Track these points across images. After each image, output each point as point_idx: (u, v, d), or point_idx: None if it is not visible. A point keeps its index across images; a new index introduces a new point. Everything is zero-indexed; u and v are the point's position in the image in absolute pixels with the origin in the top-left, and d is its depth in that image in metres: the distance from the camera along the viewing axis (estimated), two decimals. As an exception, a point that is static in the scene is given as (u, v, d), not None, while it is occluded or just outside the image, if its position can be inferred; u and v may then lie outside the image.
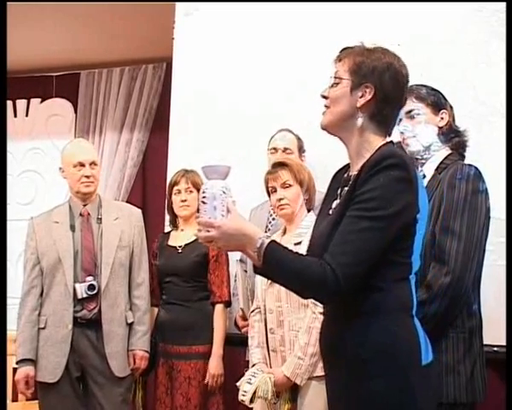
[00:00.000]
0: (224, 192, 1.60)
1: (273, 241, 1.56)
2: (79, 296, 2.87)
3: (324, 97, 1.67)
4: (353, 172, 1.65)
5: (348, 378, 1.59)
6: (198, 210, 1.69)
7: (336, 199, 1.69)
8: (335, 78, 1.66)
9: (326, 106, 1.67)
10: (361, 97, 1.62)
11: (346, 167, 1.74)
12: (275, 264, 1.55)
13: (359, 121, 1.62)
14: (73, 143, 3.15)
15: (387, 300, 1.57)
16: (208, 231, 1.57)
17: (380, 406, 1.55)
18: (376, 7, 3.31)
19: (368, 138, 1.64)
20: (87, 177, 2.97)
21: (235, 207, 1.60)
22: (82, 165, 2.97)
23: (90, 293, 2.87)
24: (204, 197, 1.61)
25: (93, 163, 3.00)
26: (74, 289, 2.87)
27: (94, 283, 2.89)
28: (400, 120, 2.34)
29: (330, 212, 1.68)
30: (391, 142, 1.66)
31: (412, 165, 1.58)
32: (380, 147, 1.61)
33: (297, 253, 1.59)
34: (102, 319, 2.89)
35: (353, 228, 1.52)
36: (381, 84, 1.61)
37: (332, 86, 1.66)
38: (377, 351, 1.55)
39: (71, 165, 2.99)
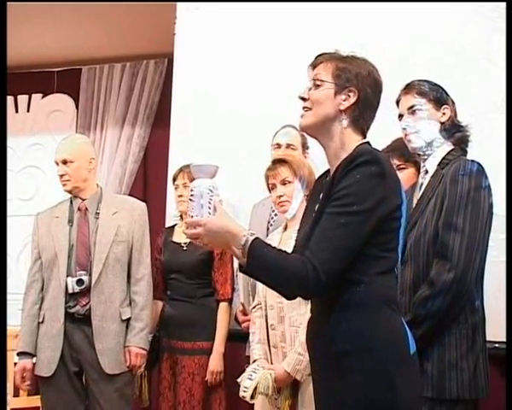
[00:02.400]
0: (210, 191, 1.65)
1: (257, 238, 1.59)
2: (70, 291, 2.85)
3: (303, 99, 1.70)
4: (331, 173, 1.69)
5: (330, 373, 1.61)
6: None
7: (318, 202, 1.71)
8: (317, 80, 1.69)
9: (306, 107, 1.70)
10: (344, 101, 1.66)
11: (327, 172, 1.78)
12: (258, 261, 1.57)
13: (344, 123, 1.67)
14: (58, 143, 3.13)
15: (365, 293, 1.58)
16: (195, 228, 1.63)
17: (362, 400, 1.55)
18: (377, 7, 3.31)
19: (346, 140, 1.68)
20: (60, 176, 2.97)
21: (221, 205, 1.65)
22: (57, 164, 2.99)
23: (79, 287, 2.85)
24: (192, 195, 1.66)
25: (65, 161, 2.96)
26: (66, 284, 2.86)
27: (83, 277, 2.86)
28: (402, 115, 2.32)
29: (313, 215, 1.69)
30: (367, 142, 1.69)
31: (387, 162, 1.62)
32: (355, 148, 1.65)
33: (280, 250, 1.62)
34: (92, 314, 2.85)
35: (331, 225, 1.55)
36: (363, 89, 1.67)
37: (313, 88, 1.69)
38: (356, 344, 1.56)
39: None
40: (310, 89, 1.70)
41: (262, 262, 1.57)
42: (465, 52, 3.11)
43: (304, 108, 1.70)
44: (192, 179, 3.03)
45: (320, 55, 1.73)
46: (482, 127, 2.93)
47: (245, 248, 1.56)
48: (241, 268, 1.68)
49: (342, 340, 1.58)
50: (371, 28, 3.27)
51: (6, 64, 3.01)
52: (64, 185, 2.99)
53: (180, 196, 3.09)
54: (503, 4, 2.92)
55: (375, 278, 1.59)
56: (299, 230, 1.79)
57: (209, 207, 1.63)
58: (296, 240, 1.76)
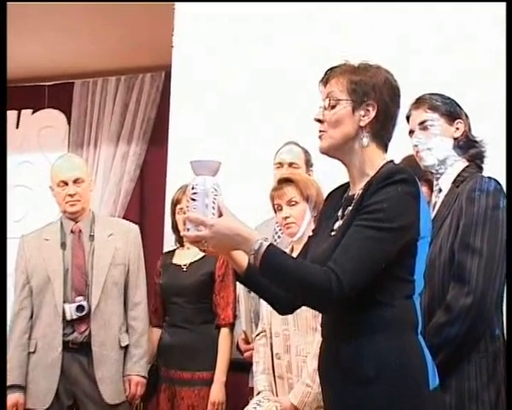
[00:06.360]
0: (215, 189, 1.61)
1: (272, 244, 1.58)
2: (68, 318, 2.86)
3: (320, 121, 1.69)
4: (356, 190, 1.69)
5: (353, 400, 1.59)
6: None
7: (338, 220, 1.71)
8: (332, 100, 1.67)
9: (323, 131, 1.68)
10: (364, 116, 1.65)
11: (344, 188, 1.78)
12: (275, 268, 1.56)
13: (365, 141, 1.66)
14: (59, 160, 3.12)
15: (396, 317, 1.59)
16: (198, 230, 1.58)
17: None
18: (377, 6, 3.38)
19: (370, 157, 1.68)
20: (71, 196, 2.97)
21: (226, 206, 1.62)
22: (65, 183, 2.97)
23: (78, 314, 2.86)
24: (194, 194, 1.60)
25: (77, 180, 2.98)
26: (63, 310, 2.86)
27: (83, 303, 2.87)
28: (413, 131, 2.33)
29: (332, 233, 1.69)
30: (392, 161, 1.69)
31: (418, 182, 1.63)
32: (383, 165, 1.65)
33: (297, 258, 1.64)
34: (92, 341, 2.86)
35: (358, 236, 1.55)
36: (382, 100, 1.66)
37: (328, 109, 1.68)
38: (385, 370, 1.56)
39: (55, 184, 3.01)
40: (325, 108, 1.69)
41: (279, 270, 1.56)
42: (465, 52, 3.20)
43: (321, 131, 1.69)
44: None
45: (330, 70, 1.71)
46: (482, 127, 2.97)
47: (258, 253, 1.55)
48: (237, 277, 1.70)
49: (366, 365, 1.57)
50: (371, 31, 3.34)
51: (6, 76, 3.00)
52: (72, 206, 2.98)
53: None
54: (502, 5, 2.96)
55: (403, 302, 1.61)
56: (310, 249, 1.77)
57: (213, 208, 1.59)
58: (310, 259, 1.72)
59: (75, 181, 2.98)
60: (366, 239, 1.54)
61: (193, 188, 1.61)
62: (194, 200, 1.60)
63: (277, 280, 1.60)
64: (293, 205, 2.52)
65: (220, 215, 1.60)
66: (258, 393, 2.53)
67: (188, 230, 1.60)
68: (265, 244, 1.55)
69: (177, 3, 3.83)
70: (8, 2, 3.02)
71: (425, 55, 3.27)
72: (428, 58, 3.25)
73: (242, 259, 1.68)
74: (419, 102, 2.32)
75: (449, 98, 2.31)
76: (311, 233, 2.53)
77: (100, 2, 3.95)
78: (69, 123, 4.97)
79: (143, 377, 2.96)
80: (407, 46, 3.28)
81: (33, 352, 2.90)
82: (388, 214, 1.54)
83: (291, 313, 1.85)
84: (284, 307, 1.81)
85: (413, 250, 1.60)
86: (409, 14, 3.34)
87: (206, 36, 3.75)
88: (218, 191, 1.61)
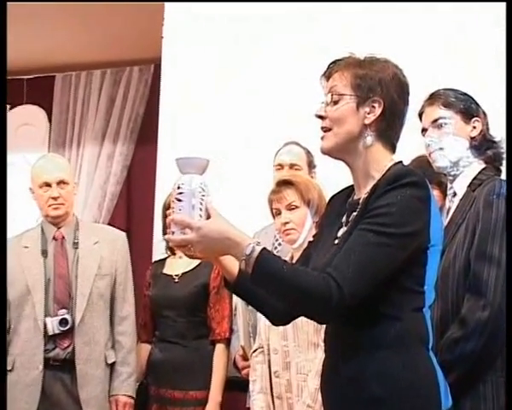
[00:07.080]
0: (202, 189, 1.60)
1: (265, 248, 1.56)
2: (50, 332, 2.84)
3: (321, 117, 1.68)
4: (361, 194, 1.67)
5: None
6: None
7: (342, 227, 1.70)
8: (334, 94, 1.67)
9: (325, 127, 1.68)
10: (369, 113, 1.65)
11: (348, 192, 1.77)
12: (269, 274, 1.55)
13: (368, 140, 1.65)
14: (41, 161, 3.11)
15: (404, 331, 1.58)
16: (184, 234, 1.57)
17: None
18: (377, 6, 3.48)
19: (376, 157, 1.67)
20: (54, 198, 2.95)
21: (214, 207, 1.61)
22: (48, 185, 2.96)
23: (62, 329, 2.84)
24: (180, 194, 1.60)
25: (62, 182, 2.97)
26: (45, 325, 2.84)
27: (67, 317, 2.86)
28: (426, 130, 2.32)
29: (336, 241, 1.68)
30: (400, 162, 1.68)
31: (429, 185, 1.62)
32: (391, 166, 1.65)
33: (291, 262, 1.63)
34: (76, 358, 2.85)
35: (361, 241, 1.54)
36: (389, 97, 1.65)
37: (331, 104, 1.67)
38: (396, 388, 1.55)
39: (37, 185, 2.99)
40: (327, 104, 1.68)
41: (273, 277, 1.54)
42: (465, 52, 3.31)
43: (323, 127, 1.68)
44: None
45: (333, 63, 1.71)
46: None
47: (250, 258, 1.54)
48: (226, 285, 1.70)
49: (371, 384, 1.56)
50: (373, 33, 3.41)
51: (6, 74, 2.99)
52: (56, 209, 2.96)
53: None
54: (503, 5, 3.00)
55: (411, 315, 1.60)
56: (313, 258, 1.76)
57: (200, 209, 1.59)
58: (312, 269, 1.72)
59: (59, 183, 2.96)
60: (369, 245, 1.53)
61: (178, 187, 1.61)
62: (179, 200, 1.60)
63: (271, 288, 1.58)
64: (292, 209, 2.52)
65: (208, 217, 1.59)
66: (256, 414, 2.53)
67: (173, 233, 1.59)
68: (258, 249, 1.54)
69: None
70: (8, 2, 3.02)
71: (425, 55, 3.35)
72: (428, 58, 3.34)
73: (233, 265, 1.67)
74: (433, 98, 2.31)
75: (465, 94, 2.30)
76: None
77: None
78: (50, 120, 4.97)
79: (131, 397, 2.95)
80: (407, 46, 3.34)
81: (11, 370, 2.87)
82: (395, 219, 1.53)
83: (287, 324, 1.85)
84: (280, 318, 1.79)
85: (422, 259, 1.59)
86: (409, 14, 3.45)
87: (198, 26, 3.78)
88: (206, 191, 1.61)
